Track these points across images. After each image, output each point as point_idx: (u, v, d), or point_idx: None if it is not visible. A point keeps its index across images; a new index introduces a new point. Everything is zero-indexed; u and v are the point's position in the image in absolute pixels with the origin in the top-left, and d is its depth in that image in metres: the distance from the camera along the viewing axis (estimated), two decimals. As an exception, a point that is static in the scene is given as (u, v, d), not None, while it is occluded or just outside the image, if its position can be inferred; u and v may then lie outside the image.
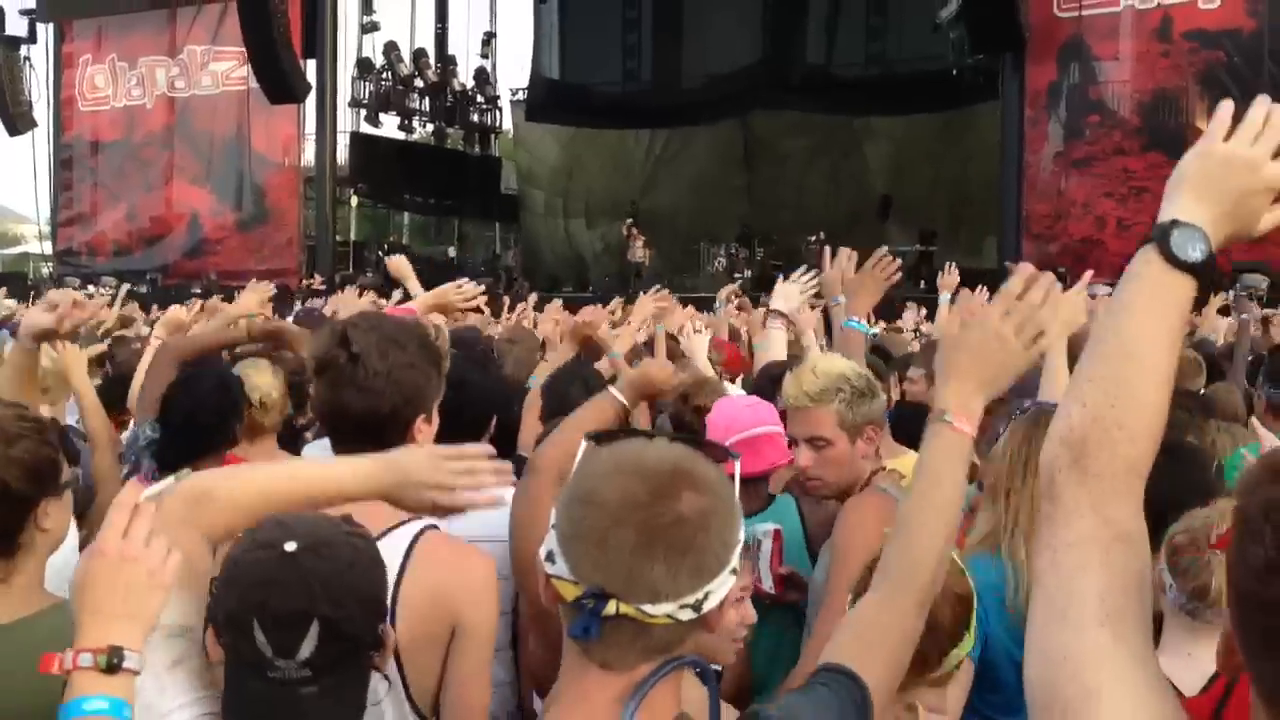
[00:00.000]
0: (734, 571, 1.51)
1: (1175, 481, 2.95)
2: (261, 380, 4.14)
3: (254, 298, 5.17)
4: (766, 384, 4.30)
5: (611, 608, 1.44)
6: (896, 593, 1.91)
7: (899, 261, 3.98)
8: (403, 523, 2.29)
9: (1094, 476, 1.39)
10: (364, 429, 2.34)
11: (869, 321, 4.28)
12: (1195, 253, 1.44)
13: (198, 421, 3.58)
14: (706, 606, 1.47)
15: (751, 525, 3.05)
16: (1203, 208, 1.47)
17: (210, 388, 3.69)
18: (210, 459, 3.53)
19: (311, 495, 1.94)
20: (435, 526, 2.33)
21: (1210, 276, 1.45)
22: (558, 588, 1.49)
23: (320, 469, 2.09)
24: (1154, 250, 1.45)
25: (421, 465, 1.96)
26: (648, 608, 1.44)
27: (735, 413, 3.51)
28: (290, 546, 1.74)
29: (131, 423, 4.09)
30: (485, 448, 2.06)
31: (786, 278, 5.23)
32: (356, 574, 1.79)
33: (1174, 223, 1.45)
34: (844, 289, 3.91)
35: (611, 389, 2.92)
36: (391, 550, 2.18)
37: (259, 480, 1.95)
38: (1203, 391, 5.47)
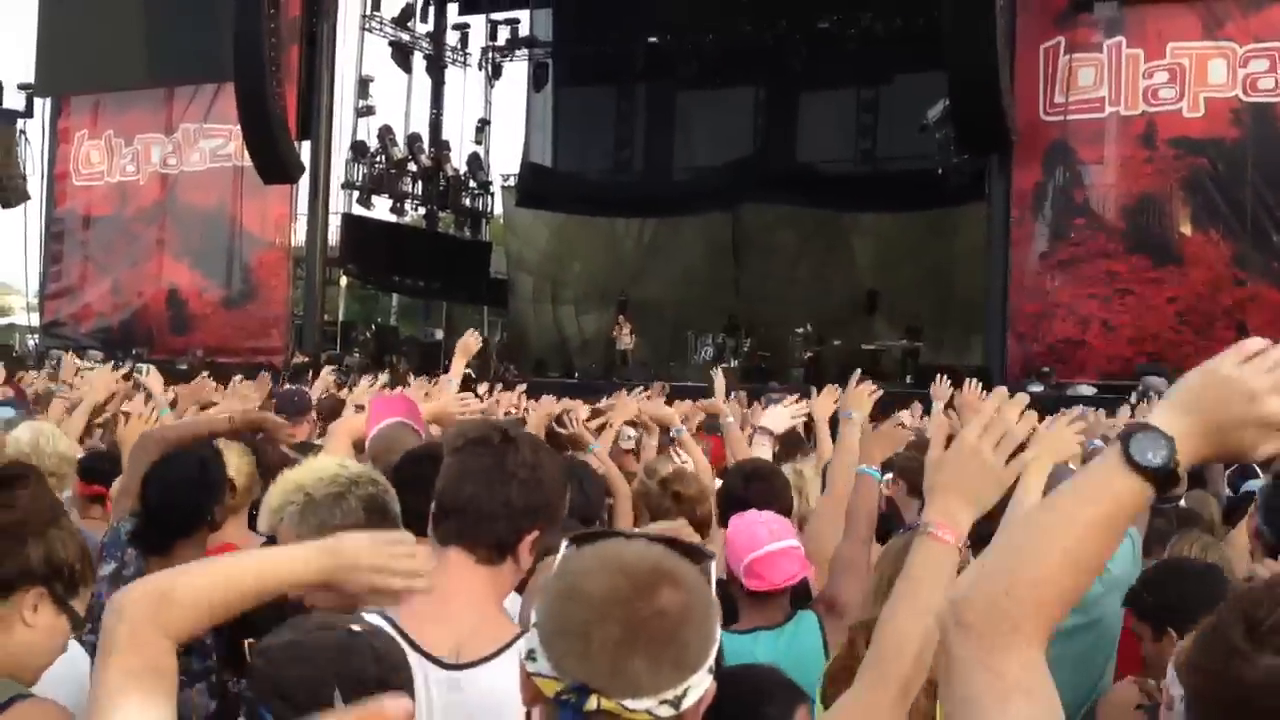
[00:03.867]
0: (711, 670, 1.51)
1: (1186, 596, 2.97)
2: (230, 460, 4.13)
3: (237, 402, 5.21)
4: (738, 481, 4.30)
5: (593, 703, 1.44)
6: (875, 688, 2.00)
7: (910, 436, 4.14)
8: None
9: (977, 634, 1.41)
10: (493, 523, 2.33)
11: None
12: (1154, 458, 1.43)
13: (174, 502, 3.54)
14: (685, 704, 1.47)
15: None
16: (1184, 420, 1.46)
17: (189, 469, 3.67)
18: (190, 541, 3.49)
19: (264, 587, 1.92)
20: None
21: (1167, 484, 1.44)
22: (539, 685, 1.49)
23: (266, 557, 2.07)
24: (1117, 445, 1.45)
25: (363, 548, 1.95)
26: (629, 703, 1.44)
27: (753, 531, 3.55)
28: (356, 628, 1.82)
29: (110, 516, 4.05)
30: (415, 541, 2.04)
31: (776, 384, 5.40)
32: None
33: (1145, 425, 1.45)
34: (862, 436, 4.03)
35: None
36: None
37: (215, 577, 1.93)
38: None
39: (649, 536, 1.67)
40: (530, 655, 1.51)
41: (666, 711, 1.46)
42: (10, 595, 2.23)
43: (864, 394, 4.32)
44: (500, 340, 28.94)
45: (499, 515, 2.31)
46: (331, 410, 7.73)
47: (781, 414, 5.36)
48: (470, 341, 5.36)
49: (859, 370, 4.65)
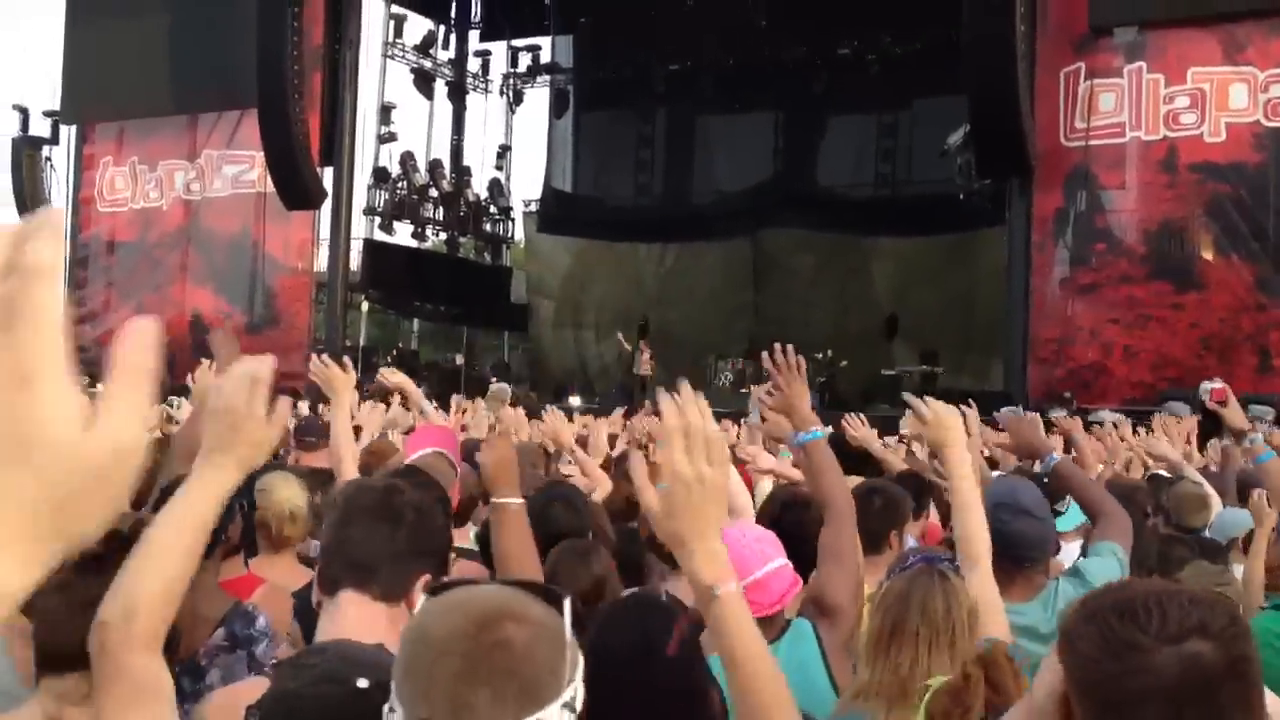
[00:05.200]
0: (568, 707, 1.47)
1: None
2: (290, 492, 4.12)
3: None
4: (776, 509, 4.21)
5: None
6: None
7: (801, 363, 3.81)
8: None
9: None
10: None
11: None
12: None
13: None
14: None
15: None
16: None
17: None
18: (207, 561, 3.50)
19: (198, 543, 1.92)
20: None
21: None
22: None
23: (183, 510, 2.00)
24: None
25: (229, 412, 2.00)
26: None
27: (741, 554, 3.35)
28: (363, 683, 1.70)
29: None
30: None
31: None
32: None
33: None
34: (777, 409, 3.79)
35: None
36: None
37: (156, 564, 1.90)
38: (1206, 531, 5.39)
39: (504, 581, 1.66)
40: (390, 708, 1.48)
41: None
42: None
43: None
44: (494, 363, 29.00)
45: (384, 556, 2.28)
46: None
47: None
48: (393, 377, 5.35)
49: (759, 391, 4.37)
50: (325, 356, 4.48)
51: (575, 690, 1.49)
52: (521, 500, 3.25)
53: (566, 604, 1.56)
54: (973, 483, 3.19)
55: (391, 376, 5.34)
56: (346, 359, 4.67)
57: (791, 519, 3.94)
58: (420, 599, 2.34)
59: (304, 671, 1.74)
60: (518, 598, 1.54)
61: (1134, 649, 1.46)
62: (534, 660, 1.46)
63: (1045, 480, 4.17)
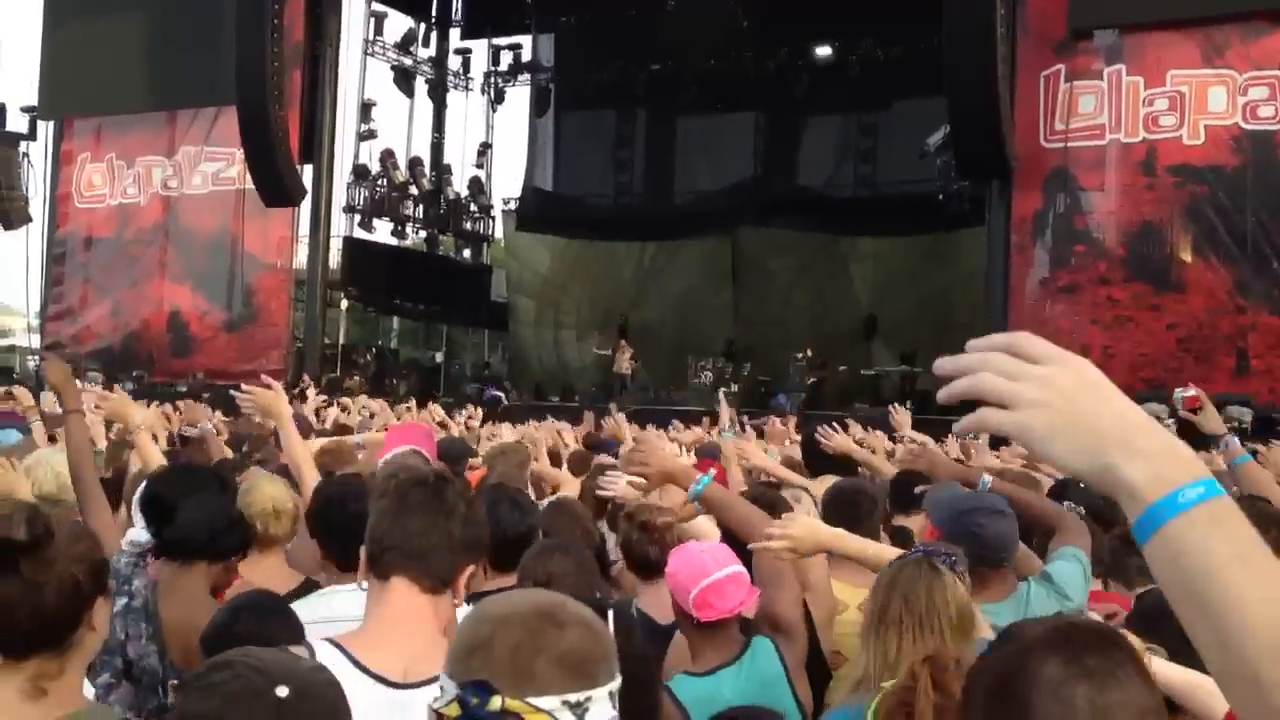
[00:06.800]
0: (613, 696, 1.55)
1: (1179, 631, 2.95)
2: (274, 490, 4.12)
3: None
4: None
5: (496, 702, 1.47)
6: None
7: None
8: None
9: None
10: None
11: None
12: None
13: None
14: (588, 717, 1.51)
15: None
16: None
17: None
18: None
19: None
20: None
21: None
22: (444, 714, 1.51)
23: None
24: None
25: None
26: (532, 699, 1.48)
27: (695, 561, 3.45)
28: (282, 692, 1.66)
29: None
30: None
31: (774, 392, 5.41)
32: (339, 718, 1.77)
33: None
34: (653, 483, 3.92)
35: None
36: None
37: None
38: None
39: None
40: (441, 686, 1.54)
41: (568, 716, 1.49)
42: None
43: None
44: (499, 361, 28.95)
45: (442, 548, 2.40)
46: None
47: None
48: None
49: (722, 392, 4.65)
50: (243, 385, 4.52)
51: (617, 685, 1.57)
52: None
53: (610, 615, 1.69)
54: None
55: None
56: (265, 376, 4.67)
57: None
58: (461, 587, 2.42)
59: (214, 690, 1.66)
60: (573, 601, 1.63)
61: None
62: (587, 643, 1.55)
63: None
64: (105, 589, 2.29)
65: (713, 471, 3.80)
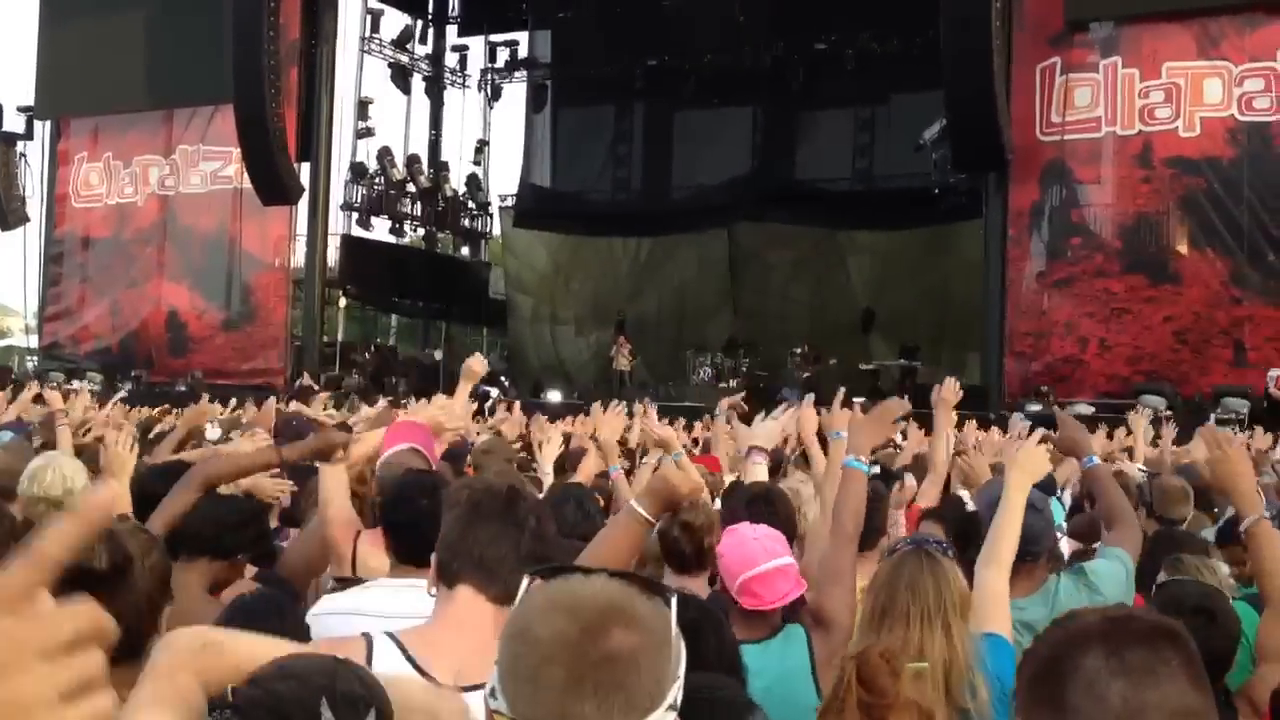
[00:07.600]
0: (673, 708, 1.48)
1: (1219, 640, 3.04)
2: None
3: (248, 444, 5.04)
4: (740, 506, 4.22)
5: None
6: None
7: (907, 407, 3.99)
8: None
9: None
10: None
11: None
12: None
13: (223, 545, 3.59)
14: None
15: None
16: None
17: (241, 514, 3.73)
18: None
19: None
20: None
21: None
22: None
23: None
24: None
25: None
26: None
27: (747, 548, 3.44)
28: (340, 654, 1.80)
29: None
30: None
31: (768, 413, 5.34)
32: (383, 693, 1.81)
33: None
34: (848, 427, 3.93)
35: (633, 502, 2.91)
36: None
37: (264, 647, 1.89)
38: (1185, 525, 5.48)
39: (610, 572, 1.62)
40: (492, 693, 1.51)
41: None
42: None
43: (847, 415, 4.31)
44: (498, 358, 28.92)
45: (510, 560, 2.43)
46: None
47: (771, 428, 5.30)
48: (475, 365, 5.23)
49: (843, 389, 4.64)
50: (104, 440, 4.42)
51: (678, 688, 1.50)
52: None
53: (673, 601, 1.57)
54: (1024, 499, 3.36)
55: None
56: (109, 436, 4.53)
57: (759, 511, 4.00)
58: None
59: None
60: (625, 595, 1.52)
61: None
62: (640, 671, 1.46)
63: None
64: (172, 597, 2.36)
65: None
